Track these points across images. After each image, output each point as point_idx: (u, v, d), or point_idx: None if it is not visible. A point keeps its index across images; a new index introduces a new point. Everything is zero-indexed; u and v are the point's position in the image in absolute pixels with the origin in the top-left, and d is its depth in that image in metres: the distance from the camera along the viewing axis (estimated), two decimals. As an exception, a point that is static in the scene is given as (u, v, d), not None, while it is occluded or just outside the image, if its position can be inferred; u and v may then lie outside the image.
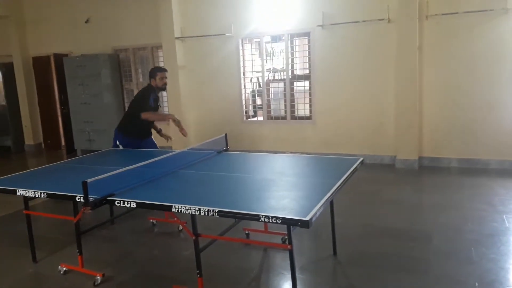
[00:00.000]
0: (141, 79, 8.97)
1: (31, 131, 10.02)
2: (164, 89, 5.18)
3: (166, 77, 5.08)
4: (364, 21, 6.62)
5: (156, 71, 5.08)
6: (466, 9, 6.04)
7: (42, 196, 3.23)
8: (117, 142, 5.07)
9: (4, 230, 4.90)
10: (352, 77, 6.94)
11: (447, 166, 6.52)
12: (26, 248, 3.89)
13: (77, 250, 3.52)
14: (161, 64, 8.49)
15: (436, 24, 6.30)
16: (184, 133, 4.91)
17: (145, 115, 4.88)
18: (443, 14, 6.17)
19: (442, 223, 4.30)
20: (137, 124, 4.98)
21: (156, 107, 5.15)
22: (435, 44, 6.37)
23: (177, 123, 4.82)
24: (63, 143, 9.73)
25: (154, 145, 5.30)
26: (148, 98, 4.98)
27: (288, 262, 2.80)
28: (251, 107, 8.23)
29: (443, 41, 6.32)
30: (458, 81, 6.33)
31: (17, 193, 3.31)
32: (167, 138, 5.37)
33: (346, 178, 3.12)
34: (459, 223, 4.28)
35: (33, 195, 3.26)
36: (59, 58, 8.98)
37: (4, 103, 9.89)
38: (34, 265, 3.83)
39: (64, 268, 3.61)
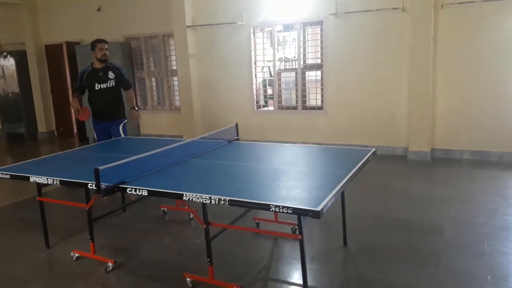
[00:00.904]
0: (152, 68, 8.98)
1: (44, 118, 10.13)
2: (104, 60, 4.99)
3: (105, 48, 4.97)
4: (378, 10, 6.52)
5: (96, 43, 4.98)
6: (483, -2, 5.92)
7: (55, 183, 3.26)
8: (92, 124, 5.23)
9: (18, 216, 4.98)
10: (364, 67, 6.86)
11: (459, 158, 6.44)
12: (39, 234, 3.95)
13: (89, 237, 3.57)
14: (172, 53, 8.50)
15: (451, 14, 6.18)
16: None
17: (71, 100, 5.07)
18: (459, 3, 6.05)
19: (454, 216, 4.26)
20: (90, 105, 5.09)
21: (92, 83, 5.00)
22: (450, 34, 6.25)
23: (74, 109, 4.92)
24: (75, 130, 9.82)
25: (117, 131, 5.15)
26: (79, 78, 5.02)
27: (298, 252, 2.80)
28: (262, 97, 8.20)
29: (459, 31, 6.21)
30: (473, 72, 6.22)
31: (30, 180, 3.35)
32: (136, 117, 5.22)
33: (357, 169, 3.09)
34: (471, 215, 4.24)
35: (46, 182, 3.30)
36: (71, 46, 9.03)
37: (17, 90, 9.99)
38: (47, 250, 3.90)
39: (77, 254, 3.66)
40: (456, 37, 6.24)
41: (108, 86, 5.02)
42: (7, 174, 3.49)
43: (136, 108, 5.25)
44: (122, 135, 5.11)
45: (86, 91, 5.09)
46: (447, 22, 6.23)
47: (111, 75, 5.03)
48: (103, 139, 5.06)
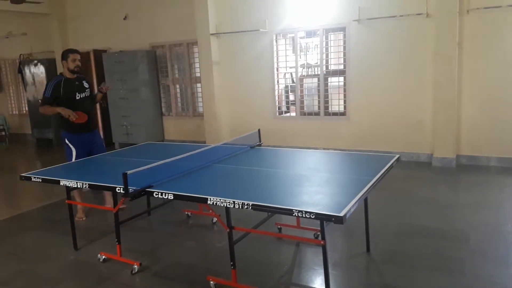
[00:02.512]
0: (177, 75, 9.13)
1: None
2: (77, 72, 4.69)
3: (78, 59, 4.66)
4: (401, 15, 6.48)
5: (68, 53, 4.67)
6: (510, 3, 5.81)
7: (84, 186, 3.37)
8: (66, 141, 4.74)
9: (47, 218, 5.13)
10: (388, 73, 6.82)
11: (486, 165, 6.32)
12: (68, 236, 4.07)
13: (116, 240, 3.66)
14: (196, 61, 8.63)
15: (477, 19, 6.09)
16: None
17: (41, 110, 4.69)
18: (485, 8, 5.96)
19: (480, 223, 4.18)
20: (58, 118, 4.71)
21: (72, 93, 4.63)
22: (476, 39, 6.16)
23: (67, 115, 4.49)
24: (101, 136, 10.04)
25: (100, 144, 4.93)
26: (47, 87, 4.61)
27: (320, 257, 2.82)
28: (284, 103, 8.23)
29: (485, 36, 6.11)
30: (500, 78, 6.11)
31: (61, 183, 3.47)
32: (103, 90, 4.81)
33: (381, 175, 3.09)
34: (498, 223, 4.15)
35: (76, 186, 3.41)
36: (99, 54, 9.27)
37: (47, 97, 10.29)
38: (75, 252, 4.01)
39: (104, 257, 3.75)
40: (482, 42, 6.14)
41: (87, 95, 4.78)
42: (39, 178, 3.62)
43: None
44: (105, 150, 4.89)
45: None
46: (473, 27, 6.14)
47: (85, 84, 4.80)
48: (82, 150, 4.69)
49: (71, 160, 4.65)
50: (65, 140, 4.73)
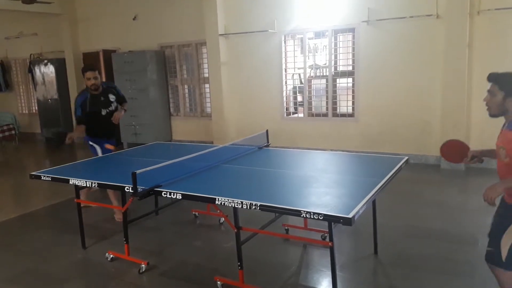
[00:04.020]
0: (185, 75, 9.16)
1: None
2: (95, 90, 4.68)
3: (93, 77, 4.62)
4: (411, 16, 6.45)
5: (83, 71, 4.70)
6: (521, 4, 5.77)
7: (93, 185, 3.39)
8: (89, 142, 4.87)
9: (56, 217, 5.17)
10: (397, 74, 6.78)
11: (495, 168, 6.23)
12: (76, 235, 4.10)
13: (124, 239, 3.68)
14: (205, 61, 8.65)
15: (488, 20, 6.04)
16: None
17: (76, 129, 4.78)
18: (496, 9, 5.91)
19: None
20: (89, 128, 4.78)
21: (98, 109, 4.73)
22: (486, 41, 6.11)
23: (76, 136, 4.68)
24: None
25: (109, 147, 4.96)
26: (75, 106, 4.71)
27: (328, 259, 2.81)
28: (292, 104, 8.22)
29: (495, 38, 6.05)
30: (511, 79, 6.05)
31: (70, 182, 3.49)
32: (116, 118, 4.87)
33: (389, 177, 3.07)
34: (508, 227, 4.10)
35: (85, 185, 3.44)
36: (108, 54, 9.33)
37: (56, 96, 10.41)
38: (83, 251, 4.04)
39: (111, 255, 3.77)
40: (492, 44, 6.09)
41: (112, 108, 4.86)
42: (49, 177, 3.65)
43: (121, 112, 4.97)
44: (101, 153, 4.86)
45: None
46: (483, 29, 6.09)
47: (111, 97, 4.86)
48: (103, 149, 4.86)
49: (98, 155, 4.80)
50: (88, 141, 4.87)
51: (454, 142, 2.96)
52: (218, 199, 2.69)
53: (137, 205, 4.71)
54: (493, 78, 2.53)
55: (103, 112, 4.80)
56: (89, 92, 4.72)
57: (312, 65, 7.90)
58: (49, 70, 10.37)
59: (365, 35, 6.89)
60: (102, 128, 4.84)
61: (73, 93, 10.30)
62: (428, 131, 6.66)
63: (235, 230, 2.99)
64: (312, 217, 2.38)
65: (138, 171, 2.93)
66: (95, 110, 4.73)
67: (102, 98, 4.79)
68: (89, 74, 4.65)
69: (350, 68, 7.27)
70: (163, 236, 4.42)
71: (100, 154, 4.81)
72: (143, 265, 3.54)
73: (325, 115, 7.59)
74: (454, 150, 2.96)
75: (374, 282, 3.34)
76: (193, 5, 8.37)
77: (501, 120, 3.12)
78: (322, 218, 2.36)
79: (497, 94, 2.47)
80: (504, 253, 2.43)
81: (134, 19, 9.26)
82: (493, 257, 2.51)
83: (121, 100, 5.07)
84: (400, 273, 3.36)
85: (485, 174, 6.02)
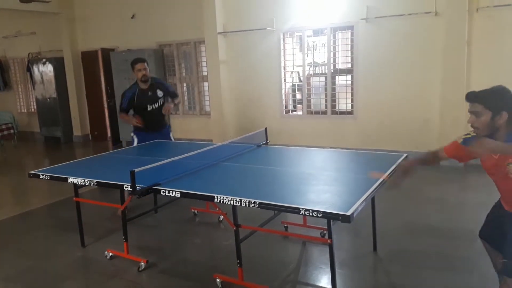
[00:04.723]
0: (184, 74, 9.15)
1: (79, 122, 10.48)
2: (145, 81, 4.84)
3: (143, 69, 4.77)
4: (410, 14, 6.44)
5: (133, 63, 4.83)
6: (520, 1, 5.76)
7: (92, 184, 3.39)
8: (132, 133, 5.08)
9: (55, 215, 5.17)
10: (396, 72, 6.78)
11: (495, 165, 6.25)
12: (75, 234, 4.10)
13: (123, 237, 3.68)
14: (203, 60, 8.64)
15: (487, 17, 6.04)
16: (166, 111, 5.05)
17: (119, 117, 5.10)
18: (494, 6, 5.90)
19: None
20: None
21: (144, 105, 4.88)
22: (485, 38, 6.10)
23: (136, 122, 4.82)
24: (109, 134, 10.10)
25: (167, 138, 5.23)
26: (123, 98, 4.89)
27: (327, 256, 2.82)
28: (291, 102, 8.22)
29: (494, 35, 6.05)
30: (509, 77, 6.03)
31: (69, 181, 3.49)
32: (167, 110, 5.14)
33: (388, 174, 3.07)
34: (507, 223, 4.11)
35: (83, 183, 3.43)
36: (106, 53, 9.32)
37: (55, 95, 10.39)
38: (82, 249, 4.04)
39: (110, 254, 3.77)
40: (491, 41, 6.08)
41: (159, 105, 4.98)
42: (47, 176, 3.65)
43: (171, 104, 5.15)
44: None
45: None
46: (482, 26, 6.08)
47: (159, 93, 4.97)
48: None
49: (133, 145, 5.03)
50: (132, 133, 5.09)
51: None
52: (217, 197, 2.69)
53: (136, 204, 4.72)
54: (473, 98, 2.39)
55: (149, 108, 4.93)
56: (138, 86, 4.86)
57: (311, 63, 7.90)
58: (48, 69, 10.35)
59: (364, 33, 6.88)
60: (147, 123, 4.94)
61: (72, 92, 10.32)
62: (427, 128, 6.66)
63: (234, 228, 2.99)
64: (310, 214, 2.38)
65: (136, 170, 2.92)
66: (141, 105, 4.90)
67: (150, 93, 4.90)
68: (139, 65, 4.78)
69: (349, 65, 7.26)
70: (162, 234, 4.42)
71: (135, 143, 5.02)
72: (142, 263, 3.54)
73: (324, 112, 7.58)
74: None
75: (373, 279, 3.35)
76: (192, 3, 8.35)
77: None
78: (321, 215, 2.36)
79: (483, 114, 2.35)
80: None
81: (132, 17, 9.24)
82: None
83: (171, 95, 5.18)
84: (399, 270, 3.36)
85: (483, 171, 6.02)
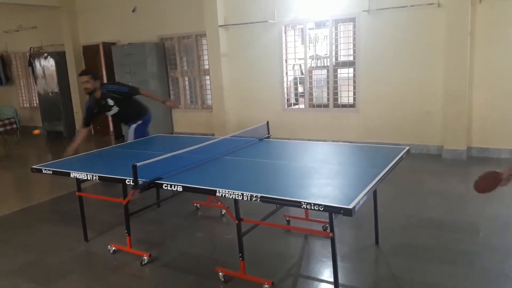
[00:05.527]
0: (185, 67, 9.13)
1: (81, 117, 10.47)
2: (88, 93, 4.92)
3: (85, 81, 4.80)
4: (412, 5, 6.39)
5: (78, 76, 5.02)
6: (523, -8, 5.71)
7: (94, 178, 3.40)
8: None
9: (58, 210, 5.19)
10: (398, 64, 6.74)
11: (497, 157, 6.24)
12: (78, 228, 4.12)
13: (126, 231, 3.69)
14: (205, 53, 8.62)
15: (490, 8, 5.99)
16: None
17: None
18: (498, -3, 5.86)
19: (491, 216, 4.14)
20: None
21: (100, 112, 5.07)
22: (488, 29, 6.06)
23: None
24: (111, 129, 10.11)
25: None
26: (87, 112, 5.03)
27: (329, 250, 2.82)
28: (292, 95, 8.20)
29: (497, 26, 6.00)
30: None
31: (71, 175, 3.50)
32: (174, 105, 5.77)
33: (390, 167, 3.07)
34: (508, 216, 4.11)
35: (86, 178, 3.44)
36: (108, 47, 9.30)
37: (57, 90, 10.40)
38: (85, 244, 4.06)
39: (113, 248, 3.79)
40: (494, 32, 6.04)
41: (115, 112, 5.10)
42: (50, 170, 3.66)
43: (166, 100, 5.35)
44: (131, 139, 5.15)
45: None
46: (485, 17, 6.04)
47: (110, 102, 5.00)
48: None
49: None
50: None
51: (485, 176, 2.81)
52: (219, 191, 2.69)
53: (139, 197, 4.73)
54: None
55: (107, 114, 5.19)
56: (93, 97, 4.97)
57: (313, 55, 7.87)
58: (49, 64, 10.35)
59: (366, 25, 6.84)
60: (119, 120, 5.31)
61: (74, 86, 10.31)
62: (429, 120, 6.64)
63: (236, 222, 2.99)
64: (312, 208, 2.38)
65: (138, 164, 2.93)
66: (101, 112, 5.12)
67: (103, 102, 4.99)
68: (80, 78, 4.93)
69: (351, 58, 7.23)
70: (165, 228, 4.44)
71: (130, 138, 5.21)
72: (145, 257, 3.55)
73: (326, 106, 7.56)
74: (487, 183, 2.81)
75: (375, 272, 3.35)
76: (193, -4, 8.32)
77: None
78: (322, 209, 2.36)
79: None
80: None
81: (133, 11, 9.20)
82: None
83: (131, 94, 5.15)
84: (401, 263, 3.36)
85: (487, 163, 6.02)
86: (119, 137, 9.48)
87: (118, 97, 5.01)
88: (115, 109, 5.06)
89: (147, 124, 5.40)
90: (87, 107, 5.03)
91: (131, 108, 5.22)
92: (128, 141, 5.16)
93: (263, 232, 3.74)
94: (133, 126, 5.21)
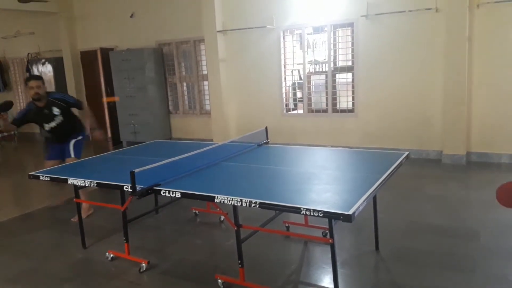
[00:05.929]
0: (183, 73, 9.13)
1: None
2: (37, 99, 4.63)
3: (36, 86, 4.57)
4: (410, 10, 6.40)
5: (26, 81, 4.68)
6: (521, -4, 5.73)
7: (92, 185, 3.38)
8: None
9: (56, 216, 5.15)
10: (397, 69, 6.75)
11: (497, 162, 6.24)
12: (76, 235, 4.09)
13: (124, 238, 3.66)
14: (203, 58, 8.62)
15: (488, 13, 6.00)
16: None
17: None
18: (495, 2, 5.87)
19: (491, 221, 4.12)
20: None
21: (40, 123, 4.83)
22: (486, 34, 6.07)
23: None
24: (109, 135, 10.08)
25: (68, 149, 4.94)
26: (20, 111, 4.83)
27: (329, 256, 2.79)
28: (291, 100, 8.19)
29: (495, 31, 6.02)
30: (511, 73, 6.02)
31: (69, 182, 3.47)
32: (100, 138, 5.23)
33: (390, 173, 3.05)
34: (509, 221, 4.09)
35: (84, 184, 3.42)
36: (106, 52, 9.29)
37: (55, 96, 10.35)
38: (83, 251, 4.02)
39: (112, 255, 3.76)
40: (492, 37, 6.05)
41: (58, 123, 4.81)
42: (47, 177, 3.63)
43: (97, 129, 5.04)
44: (72, 154, 4.85)
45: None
46: (483, 22, 6.05)
47: (56, 111, 4.75)
48: (55, 155, 5.00)
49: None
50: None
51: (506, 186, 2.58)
52: (218, 197, 2.67)
53: (137, 204, 4.70)
54: None
55: (46, 127, 4.84)
56: (34, 104, 4.69)
57: (312, 60, 7.87)
58: (47, 69, 10.35)
59: (364, 30, 6.85)
60: (51, 138, 5.01)
61: (71, 92, 10.27)
62: (428, 125, 6.64)
63: (235, 228, 2.97)
64: (312, 214, 2.36)
65: (136, 170, 2.91)
66: (37, 122, 4.86)
67: (45, 111, 4.73)
68: (31, 83, 4.60)
69: (349, 63, 7.23)
70: (163, 234, 4.41)
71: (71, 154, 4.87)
72: (143, 264, 3.52)
73: (325, 111, 7.56)
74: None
75: (375, 278, 3.33)
76: (191, 1, 8.32)
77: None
78: (322, 215, 2.34)
79: None
80: None
81: (131, 16, 9.21)
82: None
83: (75, 106, 4.95)
84: (402, 269, 3.34)
85: (487, 168, 6.02)
86: (117, 143, 9.45)
87: (64, 106, 4.80)
88: (58, 119, 4.78)
89: (83, 142, 5.07)
90: (26, 110, 4.77)
91: (73, 121, 5.00)
92: (72, 157, 4.82)
93: (262, 238, 3.71)
94: (73, 141, 4.91)
